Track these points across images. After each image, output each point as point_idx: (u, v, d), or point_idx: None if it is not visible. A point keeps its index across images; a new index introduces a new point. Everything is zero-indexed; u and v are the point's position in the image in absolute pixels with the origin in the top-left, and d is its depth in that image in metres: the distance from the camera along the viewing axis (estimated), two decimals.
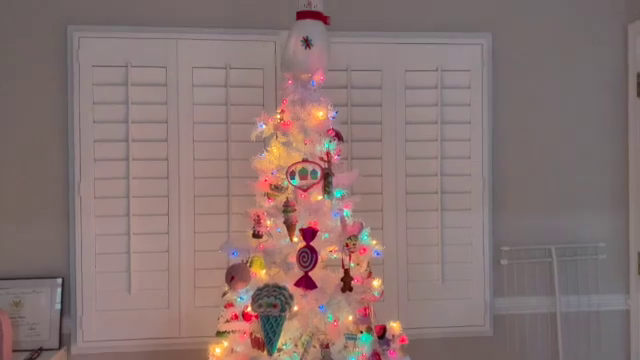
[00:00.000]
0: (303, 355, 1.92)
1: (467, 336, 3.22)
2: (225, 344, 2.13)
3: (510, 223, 3.23)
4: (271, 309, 1.92)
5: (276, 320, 1.94)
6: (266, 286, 1.98)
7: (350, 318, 2.03)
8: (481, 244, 3.20)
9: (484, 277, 3.20)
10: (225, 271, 2.10)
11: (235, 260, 2.16)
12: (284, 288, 1.97)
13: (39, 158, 2.97)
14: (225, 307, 2.17)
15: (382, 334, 2.11)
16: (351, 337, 1.95)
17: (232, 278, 2.08)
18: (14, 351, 2.83)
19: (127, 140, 2.98)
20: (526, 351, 3.18)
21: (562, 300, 3.18)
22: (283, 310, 1.93)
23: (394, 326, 2.24)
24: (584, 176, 3.28)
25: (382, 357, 2.02)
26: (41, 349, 2.85)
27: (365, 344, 1.96)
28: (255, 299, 1.97)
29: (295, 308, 1.95)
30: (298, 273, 2.01)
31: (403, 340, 2.20)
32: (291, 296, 1.97)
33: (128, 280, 2.98)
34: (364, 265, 2.18)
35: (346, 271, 2.04)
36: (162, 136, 3.01)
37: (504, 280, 3.23)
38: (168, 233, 3.00)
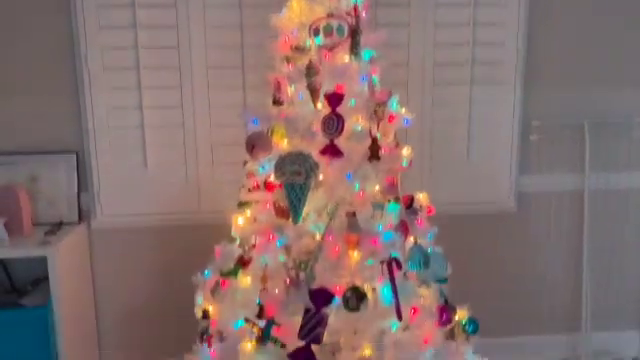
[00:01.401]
0: (329, 224, 1.84)
1: (491, 213, 3.16)
2: (248, 214, 2.05)
3: (542, 97, 3.06)
4: (295, 177, 1.82)
5: (301, 188, 1.85)
6: (289, 154, 1.87)
7: (377, 188, 1.93)
8: (510, 119, 3.04)
9: (511, 153, 3.08)
10: (245, 141, 1.98)
11: (255, 129, 2.03)
12: (308, 156, 1.86)
13: (43, 30, 2.77)
14: (247, 177, 2.07)
15: (409, 204, 2.02)
16: (378, 206, 1.86)
17: (253, 147, 1.96)
18: (35, 224, 2.81)
19: (134, 5, 2.76)
20: (550, 229, 3.12)
21: (591, 178, 3.06)
22: (308, 177, 1.83)
23: (421, 197, 2.15)
24: (621, 49, 3.04)
25: (410, 226, 1.94)
26: (61, 223, 2.83)
27: (393, 213, 1.87)
28: (278, 167, 1.86)
29: (320, 177, 1.84)
30: (322, 142, 1.89)
31: (430, 211, 2.11)
32: (316, 164, 1.86)
33: (144, 155, 2.90)
34: (391, 135, 2.04)
35: (374, 139, 1.91)
36: (171, 0, 2.78)
37: (532, 157, 3.11)
38: (182, 107, 2.87)
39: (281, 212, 1.97)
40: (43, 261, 2.55)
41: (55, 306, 2.58)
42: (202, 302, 2.16)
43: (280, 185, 1.94)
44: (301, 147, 1.90)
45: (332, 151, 1.87)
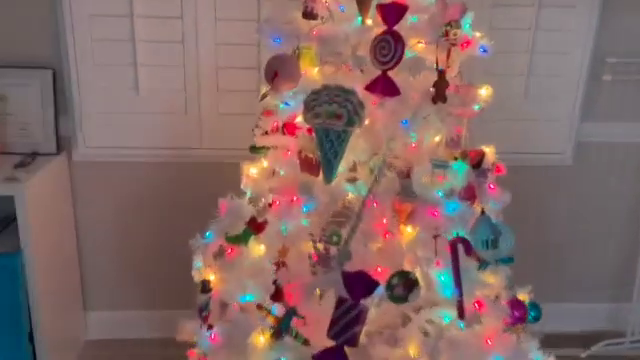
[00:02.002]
0: (372, 185, 1.36)
1: (543, 165, 2.68)
2: (264, 164, 1.57)
3: (623, 28, 2.48)
4: (333, 121, 1.32)
5: (339, 136, 1.36)
6: (326, 88, 1.36)
7: (437, 139, 1.43)
8: (580, 53, 2.49)
9: (577, 95, 2.55)
10: (264, 66, 1.46)
11: (277, 50, 1.51)
12: (352, 92, 1.35)
13: None
14: (263, 115, 1.57)
15: (478, 162, 1.53)
16: (440, 164, 1.37)
17: (275, 75, 1.45)
18: (2, 153, 2.33)
19: None
20: (610, 184, 2.64)
21: None
22: (350, 122, 1.34)
23: (487, 151, 1.65)
24: None
25: (478, 191, 1.46)
26: (35, 154, 2.35)
27: (459, 174, 1.38)
28: (310, 106, 1.36)
29: (365, 121, 1.35)
30: (371, 73, 1.37)
31: (499, 170, 1.62)
32: (361, 104, 1.36)
33: (135, 77, 2.38)
34: (455, 68, 1.52)
35: (441, 74, 1.39)
36: None
37: (601, 100, 2.58)
38: (182, 18, 2.32)
39: (308, 165, 1.49)
40: (12, 199, 2.10)
41: (26, 253, 2.14)
42: (201, 268, 1.71)
43: (310, 130, 1.45)
44: (339, 79, 1.39)
45: (385, 87, 1.36)
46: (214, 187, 2.48)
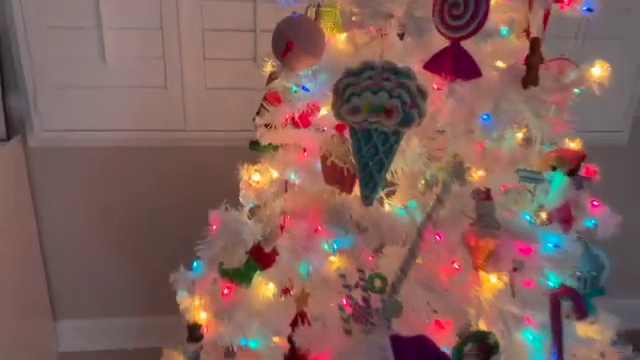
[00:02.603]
0: (434, 208, 0.92)
1: (600, 144, 2.22)
2: (273, 173, 1.11)
3: None
4: (380, 118, 0.87)
5: (386, 140, 0.91)
6: (368, 68, 0.89)
7: (519, 136, 0.99)
8: None
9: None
10: (273, 34, 0.99)
11: (288, 10, 1.04)
12: (408, 74, 0.89)
13: None
14: (267, 101, 1.10)
15: (575, 168, 1.08)
16: (531, 176, 0.93)
17: (288, 47, 0.98)
18: None
19: None
20: None
21: None
22: (406, 122, 0.88)
23: (572, 146, 1.21)
24: None
25: (575, 210, 1.02)
26: None
27: (559, 190, 0.94)
28: (344, 95, 0.91)
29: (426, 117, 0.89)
30: (436, 44, 0.91)
31: (590, 173, 1.18)
32: (423, 92, 0.89)
33: (100, 41, 1.88)
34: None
35: (535, 43, 0.93)
36: None
37: None
38: None
39: (337, 176, 1.04)
40: None
41: None
42: (187, 304, 1.28)
43: (340, 126, 0.99)
44: (382, 53, 0.93)
45: (458, 64, 0.90)
46: (202, 178, 2.07)
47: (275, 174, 1.12)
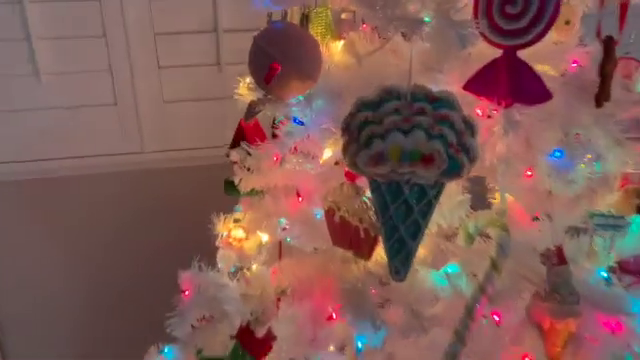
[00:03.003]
0: (487, 278, 0.66)
1: None
2: (262, 238, 0.84)
3: None
4: (416, 166, 0.60)
5: (422, 194, 0.64)
6: (392, 97, 0.62)
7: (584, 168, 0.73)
8: None
9: None
10: (250, 55, 0.71)
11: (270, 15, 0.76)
12: (449, 103, 0.62)
13: None
14: (245, 136, 0.83)
15: None
16: (611, 223, 0.68)
17: (273, 68, 0.70)
18: None
19: None
20: None
21: None
22: (454, 169, 0.61)
23: None
24: None
25: None
26: None
27: (633, 236, 0.70)
28: (359, 136, 0.63)
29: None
30: (466, 55, 0.64)
31: None
32: (471, 127, 0.63)
33: (31, 55, 1.56)
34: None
35: (609, 46, 0.67)
36: None
37: None
38: None
39: (349, 237, 0.77)
40: None
41: None
42: None
43: (350, 174, 0.72)
44: (409, 71, 0.66)
45: (520, 83, 0.63)
46: (165, 206, 1.78)
47: (265, 237, 0.85)
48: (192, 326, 0.97)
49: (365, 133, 0.64)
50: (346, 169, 0.75)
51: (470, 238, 0.76)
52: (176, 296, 1.02)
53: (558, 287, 0.70)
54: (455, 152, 0.63)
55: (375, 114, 0.64)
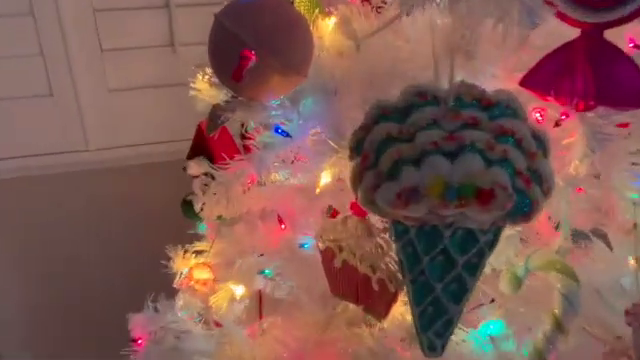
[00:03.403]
0: (551, 337, 0.47)
1: None
2: (236, 291, 0.62)
3: None
4: (469, 205, 0.38)
5: (470, 241, 0.44)
6: (427, 101, 0.40)
7: None
8: None
9: None
10: (210, 34, 0.48)
11: None
12: (512, 109, 0.41)
13: None
14: (211, 148, 0.60)
15: None
16: None
17: (244, 58, 0.47)
18: None
19: None
20: None
21: None
22: (523, 209, 0.41)
23: None
24: None
25: None
26: None
27: None
28: (377, 160, 0.41)
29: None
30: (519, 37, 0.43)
31: None
32: (543, 143, 0.42)
33: None
34: None
35: None
36: None
37: None
38: None
39: (355, 287, 0.56)
40: None
41: None
42: None
43: (358, 208, 0.51)
44: (450, 65, 0.44)
45: (610, 77, 0.43)
46: (115, 209, 1.57)
47: (239, 290, 0.63)
48: None
49: (388, 157, 0.43)
50: (353, 201, 0.54)
51: (517, 282, 0.57)
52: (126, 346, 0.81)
53: None
54: (524, 183, 0.42)
55: (403, 127, 0.43)
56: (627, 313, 0.52)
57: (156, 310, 0.82)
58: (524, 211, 0.43)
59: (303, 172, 0.64)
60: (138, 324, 0.82)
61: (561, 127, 0.47)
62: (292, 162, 0.65)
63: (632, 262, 0.55)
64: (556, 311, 0.52)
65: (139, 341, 0.82)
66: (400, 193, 0.42)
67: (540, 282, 0.60)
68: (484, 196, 0.41)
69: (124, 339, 0.86)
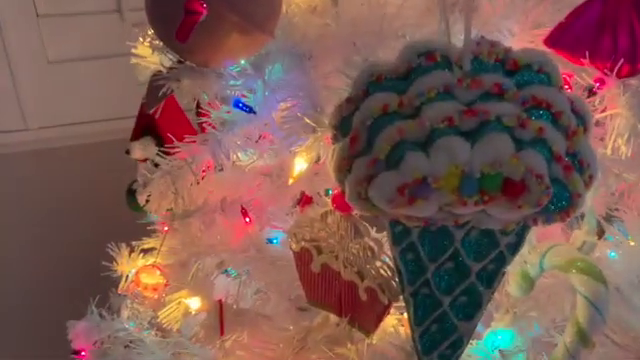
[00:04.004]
0: (574, 350, 0.38)
1: None
2: (191, 305, 0.51)
3: None
4: (491, 202, 0.29)
5: (486, 244, 0.34)
6: (436, 63, 0.30)
7: None
8: None
9: None
10: None
11: None
12: (546, 73, 0.30)
13: None
14: (156, 126, 0.48)
15: None
16: None
17: (192, 12, 0.36)
18: None
19: None
20: None
21: None
22: (561, 203, 0.31)
23: None
24: None
25: None
26: None
27: None
28: (373, 142, 0.31)
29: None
30: None
31: None
32: (583, 118, 0.32)
33: None
34: None
35: None
36: None
37: None
38: None
39: (339, 297, 0.46)
40: None
41: None
42: None
43: (341, 202, 0.41)
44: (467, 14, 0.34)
45: None
46: (58, 193, 1.44)
47: (195, 303, 0.53)
48: None
49: (386, 138, 0.32)
50: (336, 192, 0.43)
51: (528, 283, 0.47)
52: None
53: None
54: (564, 171, 0.32)
55: (404, 98, 0.32)
56: None
57: (101, 316, 0.71)
58: (562, 206, 0.33)
59: (271, 155, 0.53)
60: (80, 333, 0.70)
61: (597, 97, 0.38)
62: (257, 141, 0.54)
63: None
64: (580, 320, 0.44)
65: (82, 353, 0.71)
66: (403, 187, 0.32)
67: (553, 279, 0.51)
68: (514, 189, 0.31)
69: (64, 350, 0.74)
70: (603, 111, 0.38)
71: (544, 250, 0.47)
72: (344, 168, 0.34)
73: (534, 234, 0.48)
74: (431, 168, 0.32)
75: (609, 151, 0.39)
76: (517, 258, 0.48)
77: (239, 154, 0.52)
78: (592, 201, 0.44)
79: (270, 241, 0.60)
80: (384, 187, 0.32)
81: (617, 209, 0.56)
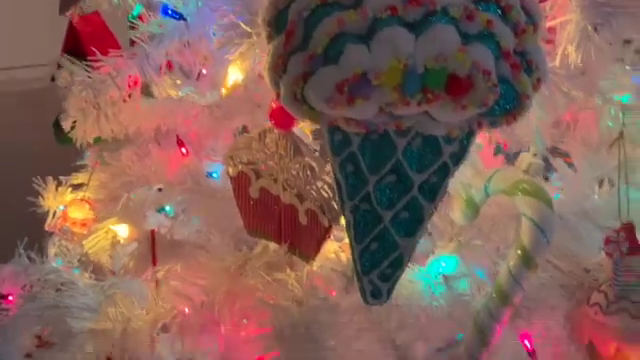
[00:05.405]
0: (517, 272, 0.38)
1: None
2: (119, 231, 0.48)
3: None
4: (435, 101, 0.28)
5: (429, 153, 0.32)
6: None
7: None
8: None
9: None
10: None
11: None
12: None
13: None
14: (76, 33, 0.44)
15: None
16: None
17: None
18: None
19: None
20: None
21: None
22: (509, 105, 0.30)
23: None
24: None
25: None
26: None
27: None
28: (309, 35, 0.28)
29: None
30: None
31: None
32: (533, 16, 0.30)
33: None
34: None
35: None
36: None
37: None
38: None
39: (278, 224, 0.44)
40: None
41: None
42: None
43: (280, 117, 0.38)
44: None
45: None
46: None
47: (123, 231, 0.49)
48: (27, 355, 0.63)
49: (324, 31, 0.30)
50: (274, 104, 0.40)
51: (474, 210, 0.46)
52: None
53: (630, 291, 0.43)
54: (512, 69, 0.30)
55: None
56: (607, 241, 0.43)
57: (29, 259, 0.66)
58: (508, 108, 0.31)
59: (208, 80, 0.49)
60: (6, 277, 0.66)
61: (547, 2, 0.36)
62: (197, 79, 0.50)
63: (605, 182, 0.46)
64: (524, 242, 0.43)
65: (9, 297, 0.67)
66: (342, 84, 0.29)
67: (498, 209, 0.50)
68: (459, 86, 0.29)
69: None
70: (553, 19, 0.36)
71: (490, 174, 0.46)
72: (279, 68, 0.32)
73: (480, 160, 0.47)
74: (372, 62, 0.29)
75: (558, 62, 0.38)
76: (461, 184, 0.47)
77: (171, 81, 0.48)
78: (540, 123, 0.43)
79: (209, 175, 0.57)
80: (322, 84, 0.30)
81: (562, 141, 0.56)
